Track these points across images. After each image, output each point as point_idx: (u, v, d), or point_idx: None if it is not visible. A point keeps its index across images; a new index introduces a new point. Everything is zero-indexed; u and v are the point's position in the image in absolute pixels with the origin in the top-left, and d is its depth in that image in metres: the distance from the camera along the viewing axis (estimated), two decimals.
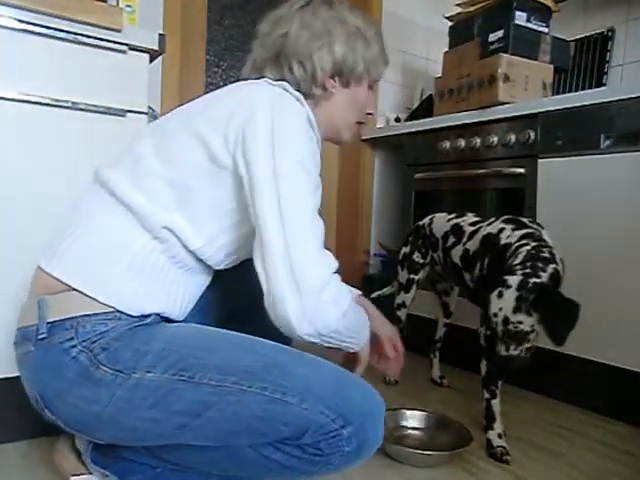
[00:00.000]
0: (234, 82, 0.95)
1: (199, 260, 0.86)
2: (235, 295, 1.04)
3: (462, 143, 1.95)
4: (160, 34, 1.27)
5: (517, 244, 1.22)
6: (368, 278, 2.33)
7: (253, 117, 0.80)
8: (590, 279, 1.54)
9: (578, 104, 1.57)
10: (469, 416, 1.40)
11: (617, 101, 1.49)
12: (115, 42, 1.21)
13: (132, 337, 0.78)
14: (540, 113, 1.68)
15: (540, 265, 1.13)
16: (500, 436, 1.23)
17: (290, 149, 0.80)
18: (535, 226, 1.29)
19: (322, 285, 0.76)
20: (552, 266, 1.14)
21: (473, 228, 1.44)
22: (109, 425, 0.78)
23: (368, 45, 0.97)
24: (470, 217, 1.51)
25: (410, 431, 1.32)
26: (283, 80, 0.92)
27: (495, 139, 1.83)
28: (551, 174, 1.66)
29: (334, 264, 0.80)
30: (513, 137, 1.76)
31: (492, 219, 1.40)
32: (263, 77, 0.95)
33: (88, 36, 1.18)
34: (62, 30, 1.14)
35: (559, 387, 1.65)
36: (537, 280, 1.10)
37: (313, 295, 0.74)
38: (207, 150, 0.81)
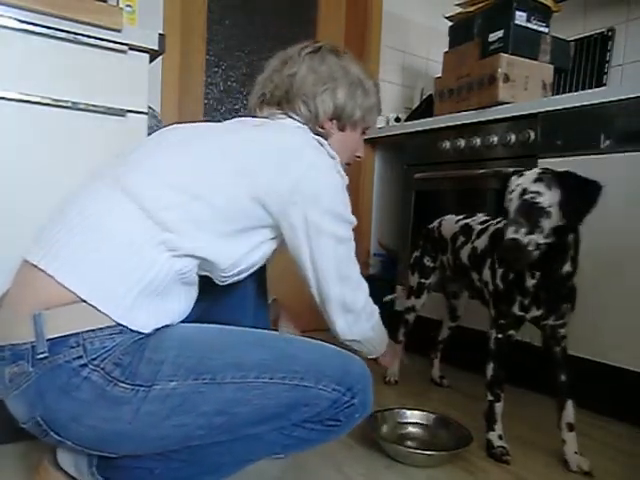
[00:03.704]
0: (247, 115, 1.05)
1: (200, 275, 0.88)
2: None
3: (462, 143, 1.95)
4: (160, 34, 1.27)
5: None
6: (368, 278, 2.32)
7: (310, 178, 0.87)
8: (590, 279, 1.54)
9: (578, 104, 1.57)
10: (469, 416, 1.40)
11: (617, 101, 1.49)
12: (115, 42, 1.21)
13: (140, 349, 0.76)
14: (540, 113, 1.68)
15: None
16: (500, 437, 1.23)
17: (344, 215, 0.92)
18: None
19: (362, 307, 0.97)
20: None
21: (482, 227, 1.44)
22: (133, 439, 0.77)
23: (367, 95, 1.06)
24: (480, 217, 1.51)
25: (410, 431, 1.32)
26: (290, 116, 1.01)
27: (495, 139, 1.83)
28: None
29: (367, 286, 1.00)
30: (513, 137, 1.76)
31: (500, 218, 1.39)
32: (282, 110, 1.03)
33: (88, 36, 1.18)
34: (62, 30, 1.14)
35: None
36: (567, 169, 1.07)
37: (355, 315, 0.96)
38: (251, 187, 0.84)
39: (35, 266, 0.76)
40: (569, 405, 1.20)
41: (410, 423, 1.34)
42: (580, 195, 1.04)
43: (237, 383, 0.77)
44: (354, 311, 0.96)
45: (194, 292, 0.90)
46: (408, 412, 1.36)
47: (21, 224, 1.13)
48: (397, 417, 1.35)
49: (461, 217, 1.57)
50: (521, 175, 1.07)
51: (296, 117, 1.01)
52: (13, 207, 1.13)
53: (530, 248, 1.02)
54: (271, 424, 0.81)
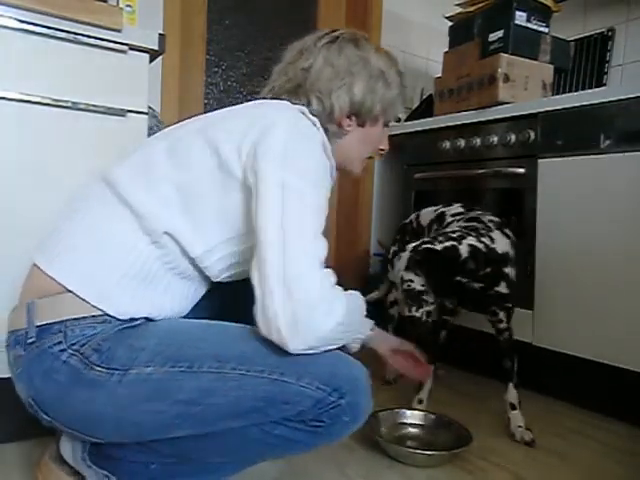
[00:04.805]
0: (252, 99, 0.98)
1: (197, 268, 0.86)
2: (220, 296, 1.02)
3: (462, 143, 1.95)
4: (160, 34, 1.27)
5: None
6: (368, 278, 2.33)
7: (268, 133, 0.81)
8: (590, 278, 1.54)
9: (578, 104, 1.57)
10: (469, 416, 1.40)
11: (617, 101, 1.49)
12: (115, 42, 1.21)
13: (122, 336, 0.78)
14: (540, 113, 1.68)
15: (440, 239, 1.25)
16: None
17: (301, 168, 0.80)
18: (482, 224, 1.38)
19: (316, 300, 0.74)
20: (451, 243, 1.24)
21: (453, 218, 1.51)
22: (111, 423, 0.79)
23: (388, 87, 0.99)
24: (455, 207, 1.57)
25: (410, 431, 1.32)
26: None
27: (495, 139, 1.83)
28: (551, 174, 1.66)
29: (331, 279, 0.79)
30: (513, 137, 1.76)
31: (464, 215, 1.48)
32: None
33: (88, 36, 1.18)
34: (62, 30, 1.14)
35: (560, 387, 1.65)
36: (429, 246, 1.22)
37: (306, 310, 0.73)
38: (218, 158, 0.82)
39: (34, 264, 0.84)
40: (510, 387, 1.35)
41: (410, 423, 1.34)
42: (437, 270, 1.22)
43: (213, 373, 0.76)
44: (300, 300, 0.73)
45: (194, 289, 0.90)
46: (408, 412, 1.36)
47: (21, 224, 1.13)
48: (397, 417, 1.35)
49: (439, 207, 1.62)
50: (399, 258, 1.24)
51: (308, 112, 0.93)
52: (13, 207, 1.13)
53: (424, 318, 1.21)
54: (249, 419, 0.78)
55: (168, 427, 0.79)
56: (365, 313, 0.92)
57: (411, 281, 1.21)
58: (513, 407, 1.34)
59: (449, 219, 1.52)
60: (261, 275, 0.75)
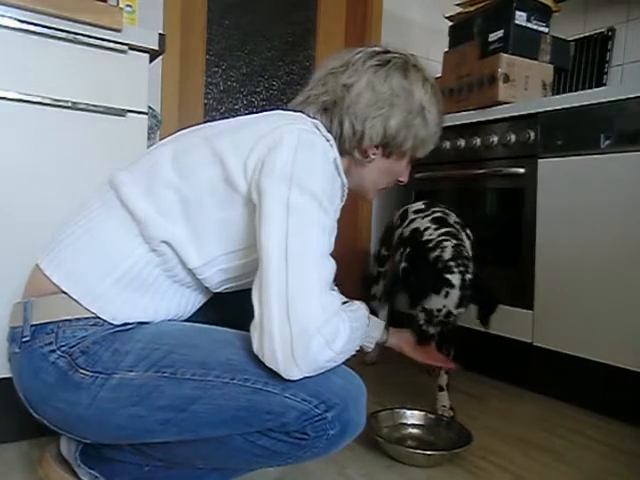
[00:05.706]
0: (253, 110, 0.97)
1: (196, 278, 0.85)
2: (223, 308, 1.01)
3: (462, 143, 1.95)
4: (160, 34, 1.27)
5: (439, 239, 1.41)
6: (368, 278, 2.33)
7: (275, 149, 0.78)
8: (590, 278, 1.54)
9: (578, 104, 1.58)
10: (469, 416, 1.40)
11: (617, 101, 1.49)
12: (115, 42, 1.21)
13: (113, 340, 0.78)
14: (540, 113, 1.68)
15: (466, 262, 1.32)
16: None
17: (308, 186, 0.76)
18: (456, 226, 1.47)
19: (316, 326, 0.71)
20: (471, 263, 1.35)
21: (413, 217, 1.59)
22: (94, 425, 0.79)
23: (425, 125, 0.95)
24: (418, 204, 1.65)
25: (410, 431, 1.32)
26: (329, 130, 0.91)
27: (495, 139, 1.83)
28: (551, 174, 1.66)
29: (335, 304, 0.76)
30: (513, 137, 1.76)
31: (428, 212, 1.54)
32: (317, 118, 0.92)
33: (88, 36, 1.18)
34: (62, 30, 1.14)
35: (559, 387, 1.65)
36: (470, 277, 1.29)
37: (304, 336, 0.70)
38: (223, 170, 0.80)
39: (36, 264, 0.84)
40: (441, 372, 1.49)
41: (410, 423, 1.34)
42: (488, 305, 1.35)
43: (197, 380, 0.75)
44: (299, 326, 0.70)
45: (193, 297, 0.89)
46: (408, 412, 1.36)
47: (20, 224, 1.13)
48: (397, 417, 1.35)
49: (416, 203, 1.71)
50: (447, 295, 1.27)
51: (310, 116, 0.91)
52: (13, 207, 1.13)
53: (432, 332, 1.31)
54: (232, 428, 0.77)
55: (152, 432, 0.78)
56: (367, 328, 0.92)
57: (460, 314, 1.30)
58: (441, 389, 1.48)
59: (412, 216, 1.60)
60: (262, 296, 0.72)
